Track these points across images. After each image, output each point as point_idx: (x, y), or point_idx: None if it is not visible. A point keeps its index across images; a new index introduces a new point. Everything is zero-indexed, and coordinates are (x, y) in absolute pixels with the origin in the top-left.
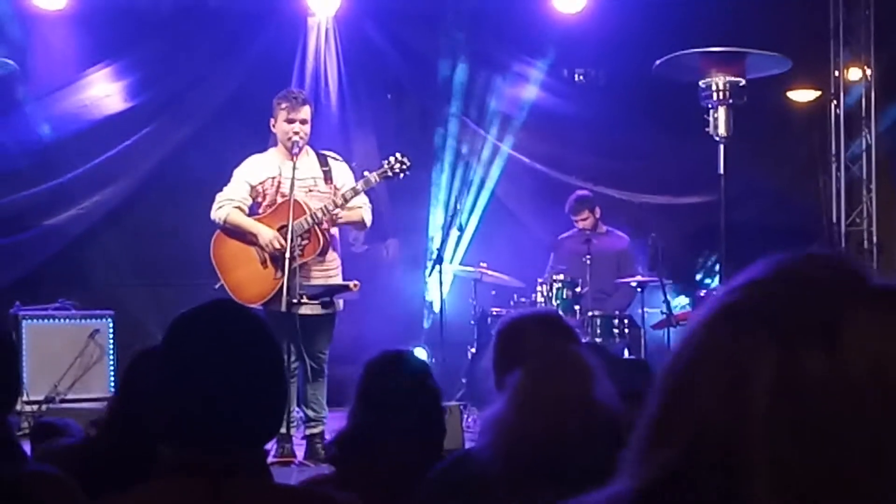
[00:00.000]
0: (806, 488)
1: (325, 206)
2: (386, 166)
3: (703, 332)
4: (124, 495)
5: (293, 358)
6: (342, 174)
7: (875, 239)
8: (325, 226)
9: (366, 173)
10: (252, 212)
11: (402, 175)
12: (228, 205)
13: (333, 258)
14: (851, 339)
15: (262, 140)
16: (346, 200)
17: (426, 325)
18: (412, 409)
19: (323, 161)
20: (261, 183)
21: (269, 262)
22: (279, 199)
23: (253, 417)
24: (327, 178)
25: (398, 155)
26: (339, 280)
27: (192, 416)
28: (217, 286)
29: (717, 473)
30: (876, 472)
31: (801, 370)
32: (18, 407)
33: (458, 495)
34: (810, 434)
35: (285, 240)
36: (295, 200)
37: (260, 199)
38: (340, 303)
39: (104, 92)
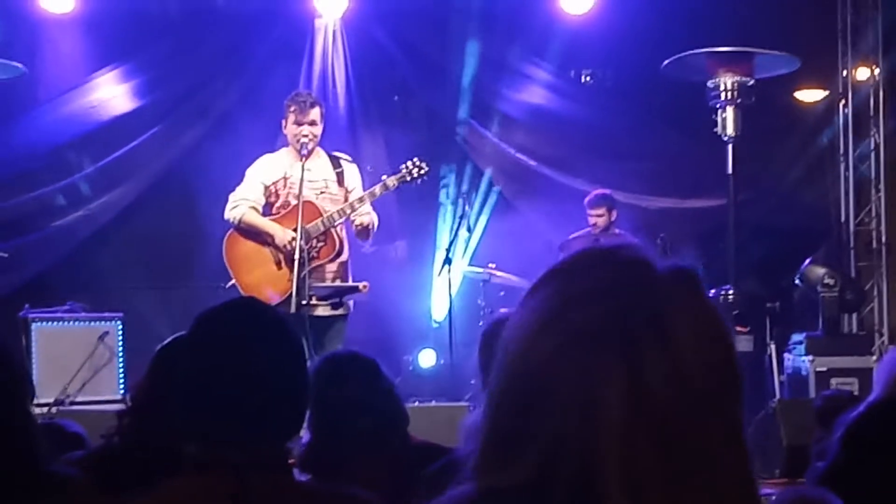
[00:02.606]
0: (659, 491)
1: (343, 209)
2: (404, 171)
3: (544, 356)
4: (149, 493)
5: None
6: (353, 177)
7: (884, 238)
8: (338, 228)
9: (384, 178)
10: (264, 213)
11: (419, 180)
12: (244, 204)
13: (345, 265)
14: (676, 328)
15: (271, 141)
16: (363, 202)
17: (434, 325)
18: (365, 409)
19: (335, 163)
20: (273, 183)
21: (283, 264)
22: (292, 201)
23: (276, 414)
24: (340, 180)
25: (416, 160)
26: (350, 282)
27: (217, 413)
28: (228, 286)
29: (571, 487)
30: (718, 462)
31: (647, 376)
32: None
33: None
34: (662, 435)
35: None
36: (308, 202)
37: (272, 200)
38: (351, 304)
39: (112, 94)
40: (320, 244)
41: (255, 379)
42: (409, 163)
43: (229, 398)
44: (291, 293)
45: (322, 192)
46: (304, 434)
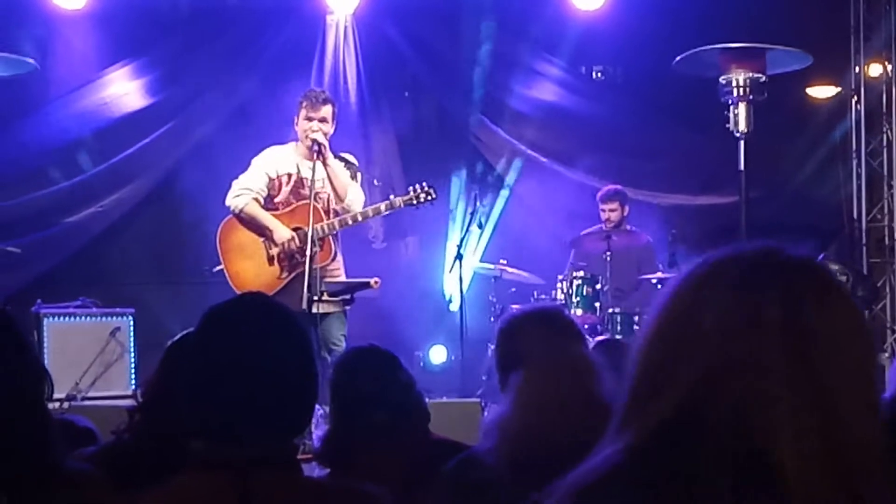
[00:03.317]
0: (820, 419)
1: (345, 219)
2: (412, 194)
3: (702, 281)
4: (155, 489)
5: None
6: (354, 189)
7: None
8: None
9: (391, 197)
10: (265, 205)
11: (425, 204)
12: (247, 194)
13: (338, 265)
14: (833, 287)
15: (283, 137)
16: (367, 218)
17: (446, 322)
18: (383, 401)
19: (343, 165)
20: (278, 176)
21: (276, 261)
22: (294, 200)
23: (283, 411)
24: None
25: (425, 185)
26: (341, 279)
27: (224, 410)
28: (216, 269)
29: (728, 412)
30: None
31: (804, 312)
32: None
33: (468, 495)
34: (821, 374)
35: (301, 241)
36: (315, 208)
37: (273, 193)
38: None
39: (124, 90)
40: (317, 249)
41: (262, 375)
42: (418, 186)
43: (236, 394)
44: (287, 291)
45: (318, 193)
46: (323, 427)
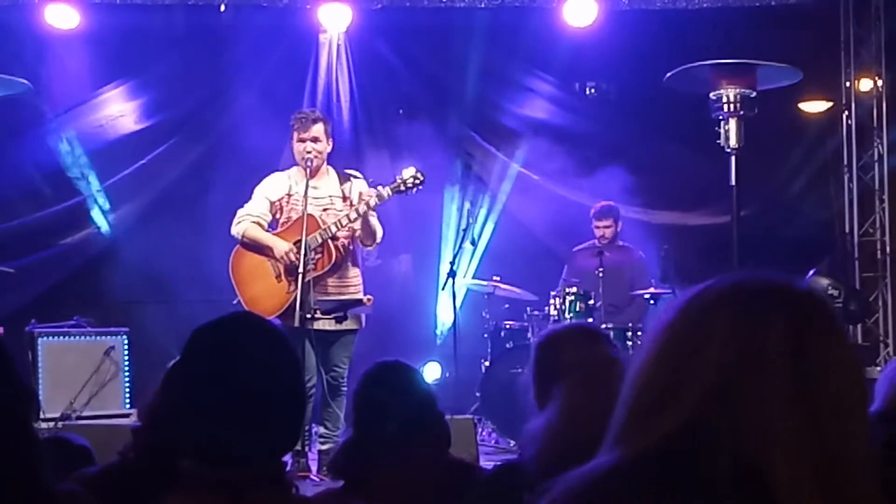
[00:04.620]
0: (815, 446)
1: (339, 220)
2: (399, 181)
3: (707, 308)
4: None
5: (308, 375)
6: (360, 191)
7: (888, 249)
8: (340, 241)
9: (379, 188)
10: (270, 228)
11: (415, 190)
12: (247, 219)
13: (355, 274)
14: (837, 323)
15: (276, 157)
16: (360, 215)
17: (439, 338)
18: (401, 416)
19: (343, 179)
20: (279, 199)
21: (283, 276)
22: (293, 216)
23: (271, 430)
24: (345, 196)
25: (412, 169)
26: (360, 296)
27: (211, 429)
28: (235, 302)
29: (727, 436)
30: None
31: (807, 346)
32: (35, 424)
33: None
34: (819, 407)
35: (299, 252)
36: (309, 215)
37: (277, 216)
38: (363, 318)
39: (119, 111)
40: (318, 256)
41: (250, 394)
42: (405, 171)
43: (224, 413)
44: (294, 307)
45: (326, 209)
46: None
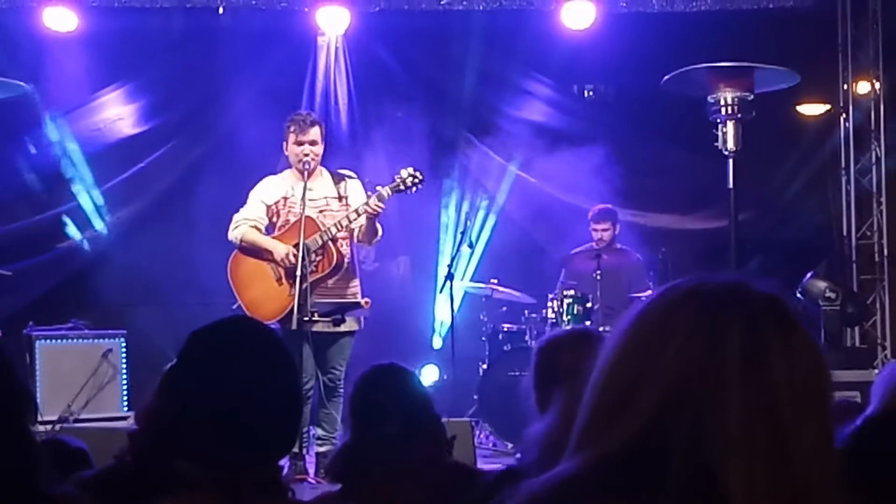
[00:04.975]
0: (773, 451)
1: (339, 222)
2: (398, 180)
3: (667, 309)
4: None
5: (306, 377)
6: (355, 192)
7: (886, 252)
8: (339, 243)
9: (378, 188)
10: (267, 233)
11: (414, 189)
12: (244, 224)
13: (354, 277)
14: (795, 322)
15: (274, 160)
16: (359, 215)
17: (437, 341)
18: (400, 418)
19: (337, 180)
20: (275, 203)
21: (283, 279)
22: (291, 219)
23: (267, 434)
24: (340, 197)
25: (410, 169)
26: (358, 298)
27: (207, 432)
28: (235, 306)
29: (684, 439)
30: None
31: (765, 347)
32: (32, 427)
33: None
34: (777, 409)
35: (297, 254)
36: (308, 218)
37: (274, 220)
38: (361, 320)
39: (117, 114)
40: (318, 258)
41: (245, 397)
42: (404, 171)
43: (220, 417)
44: (292, 309)
45: (323, 210)
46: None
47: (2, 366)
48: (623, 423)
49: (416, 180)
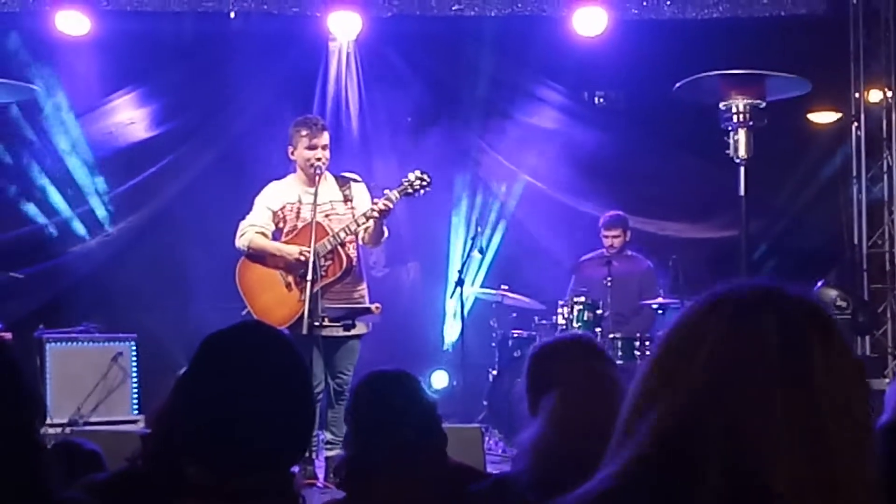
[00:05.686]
0: (814, 451)
1: (348, 226)
2: (406, 183)
3: (703, 312)
4: None
5: (315, 382)
6: (360, 194)
7: None
8: (347, 247)
9: (386, 191)
10: (274, 239)
11: (422, 191)
12: (251, 231)
13: (362, 281)
14: (833, 328)
15: (285, 165)
16: (367, 219)
17: (447, 347)
18: (403, 425)
19: (342, 183)
20: (281, 209)
21: (293, 285)
22: (299, 224)
23: (280, 439)
24: (346, 199)
25: (418, 171)
26: (366, 302)
27: (219, 438)
28: (244, 312)
29: (720, 445)
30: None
31: (805, 346)
32: (42, 430)
33: None
34: (818, 407)
35: (307, 258)
36: (316, 223)
37: (281, 225)
38: (370, 324)
39: (128, 118)
40: (328, 262)
41: (258, 404)
42: (411, 174)
43: (233, 422)
44: (303, 314)
45: (329, 214)
46: (324, 453)
47: (10, 369)
48: (652, 422)
49: (424, 183)
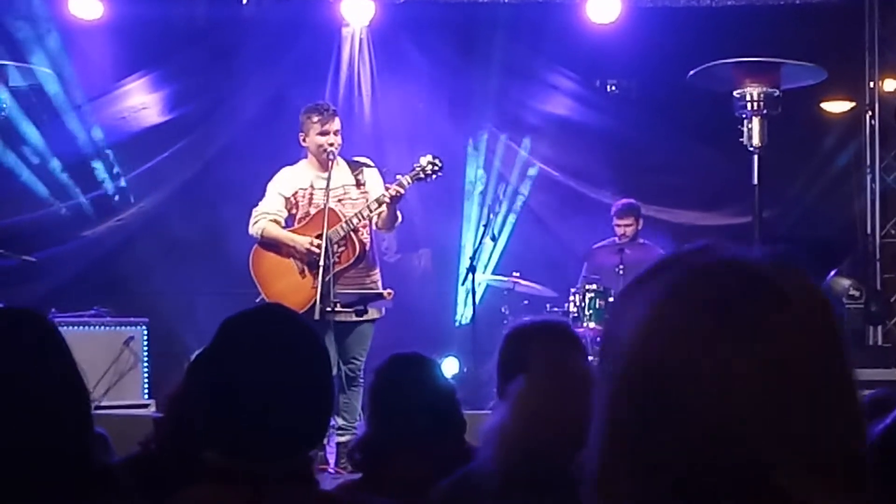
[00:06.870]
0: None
1: (360, 212)
2: (417, 168)
3: (671, 333)
4: (168, 500)
5: None
6: (372, 179)
7: None
8: (360, 233)
9: (398, 176)
10: (287, 225)
11: (434, 177)
12: (264, 218)
13: (375, 267)
14: (793, 293)
15: (298, 150)
16: (380, 204)
17: (458, 333)
18: (422, 409)
19: (354, 167)
20: (294, 194)
21: (307, 272)
22: (312, 210)
23: (298, 424)
24: (359, 184)
25: (430, 156)
26: (379, 288)
27: (238, 422)
28: (258, 299)
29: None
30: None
31: (769, 332)
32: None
33: None
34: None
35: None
36: (329, 209)
37: (294, 211)
38: (382, 309)
39: (141, 103)
40: (341, 249)
41: (277, 388)
42: (423, 159)
43: (251, 407)
44: (315, 300)
45: (340, 200)
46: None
47: (66, 355)
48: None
49: (436, 167)
